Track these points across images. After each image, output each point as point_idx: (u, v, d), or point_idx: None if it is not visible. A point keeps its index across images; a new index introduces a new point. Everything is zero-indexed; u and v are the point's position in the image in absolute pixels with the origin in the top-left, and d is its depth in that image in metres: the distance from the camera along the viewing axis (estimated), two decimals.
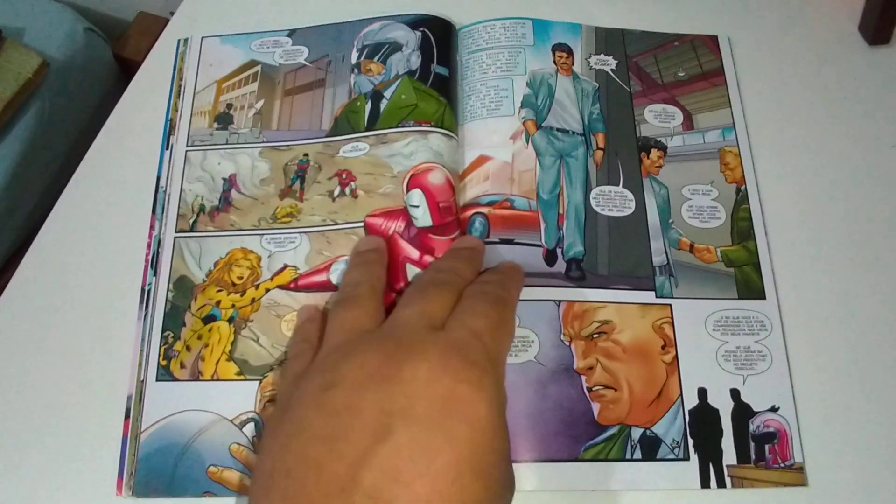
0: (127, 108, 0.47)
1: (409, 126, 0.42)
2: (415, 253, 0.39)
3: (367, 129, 0.43)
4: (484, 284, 0.34)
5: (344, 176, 0.42)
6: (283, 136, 0.44)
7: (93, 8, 0.99)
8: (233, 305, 0.39)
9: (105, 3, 1.00)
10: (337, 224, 0.41)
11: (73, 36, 0.88)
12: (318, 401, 0.28)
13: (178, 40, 0.48)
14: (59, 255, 0.42)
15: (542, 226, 0.41)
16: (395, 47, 0.46)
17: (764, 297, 0.39)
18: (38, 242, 0.43)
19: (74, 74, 0.88)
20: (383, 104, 0.44)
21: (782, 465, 0.36)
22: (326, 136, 0.44)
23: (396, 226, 0.40)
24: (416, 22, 0.46)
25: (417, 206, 0.40)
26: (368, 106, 0.44)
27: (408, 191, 0.41)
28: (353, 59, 0.46)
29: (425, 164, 0.41)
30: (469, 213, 0.41)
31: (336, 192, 0.42)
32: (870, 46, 0.47)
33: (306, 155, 0.43)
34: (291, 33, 0.48)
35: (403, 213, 0.40)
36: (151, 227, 0.42)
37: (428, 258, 0.38)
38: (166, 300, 0.39)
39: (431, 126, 0.42)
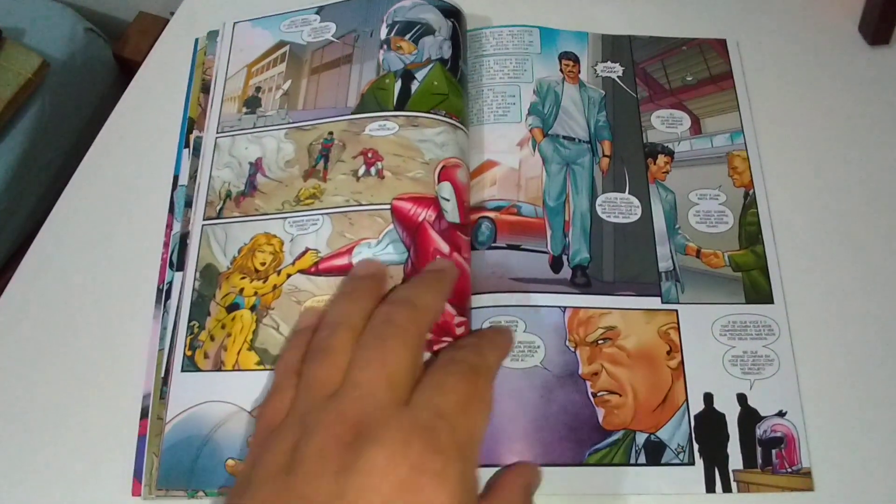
0: (128, 107, 0.47)
1: (442, 115, 0.41)
2: (445, 247, 0.37)
3: (396, 109, 0.42)
4: (457, 350, 0.31)
5: (369, 155, 0.40)
6: (309, 115, 0.43)
7: (93, 8, 0.99)
8: (255, 293, 0.38)
9: (105, 3, 1.00)
10: (361, 205, 0.39)
11: (73, 36, 0.88)
12: (275, 488, 0.26)
13: (197, 38, 0.48)
14: (59, 255, 0.42)
15: (548, 232, 0.41)
16: (428, 30, 0.44)
17: (772, 302, 0.39)
18: (38, 242, 0.43)
19: (74, 74, 0.88)
20: (414, 85, 0.42)
21: (789, 469, 0.36)
22: (352, 114, 0.42)
23: (427, 214, 0.38)
24: (445, 10, 0.45)
25: (448, 200, 0.39)
26: (398, 84, 0.43)
27: (438, 182, 0.39)
28: (383, 35, 0.45)
29: (455, 160, 0.40)
30: (476, 216, 0.41)
31: (361, 172, 0.40)
32: (870, 46, 0.47)
33: (331, 133, 0.42)
34: (320, 10, 0.47)
35: (434, 202, 0.38)
36: (169, 227, 0.42)
37: (457, 255, 0.37)
38: (193, 289, 0.39)
39: (459, 122, 0.41)
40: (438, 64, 0.43)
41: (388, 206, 0.39)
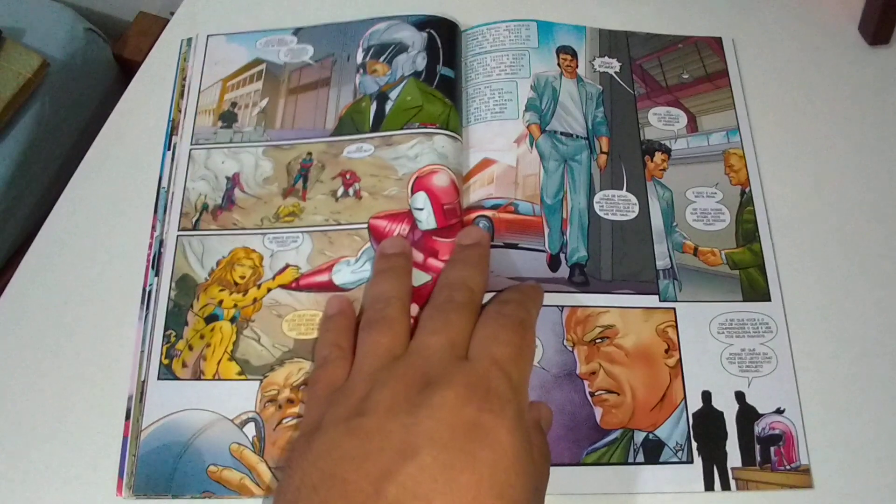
0: (127, 108, 0.47)
1: (415, 128, 0.42)
2: (419, 256, 0.39)
3: (372, 131, 0.43)
4: (504, 305, 0.34)
5: (348, 176, 0.42)
6: (287, 134, 0.44)
7: (93, 8, 0.99)
8: (235, 305, 0.39)
9: (105, 3, 1.00)
10: (340, 224, 0.41)
11: (73, 36, 0.88)
12: (349, 426, 0.29)
13: (182, 40, 0.48)
14: (59, 255, 0.42)
15: (546, 230, 0.41)
16: (401, 48, 0.45)
17: (769, 299, 0.39)
18: (38, 242, 0.43)
19: (74, 74, 0.87)
20: (388, 105, 0.44)
21: (788, 467, 0.36)
22: (330, 136, 0.43)
23: (401, 228, 0.40)
24: (422, 23, 0.46)
25: (422, 209, 0.40)
26: (374, 107, 0.44)
27: (412, 193, 0.40)
28: (359, 59, 0.46)
29: (430, 167, 0.41)
30: (473, 215, 0.41)
31: (339, 193, 0.41)
32: (870, 46, 0.47)
33: (310, 154, 0.43)
34: (297, 32, 0.48)
35: (408, 215, 0.40)
36: (153, 228, 0.42)
37: (432, 261, 0.38)
38: (168, 299, 0.39)
39: (437, 128, 0.42)
40: (411, 79, 0.44)
41: (366, 225, 0.40)
